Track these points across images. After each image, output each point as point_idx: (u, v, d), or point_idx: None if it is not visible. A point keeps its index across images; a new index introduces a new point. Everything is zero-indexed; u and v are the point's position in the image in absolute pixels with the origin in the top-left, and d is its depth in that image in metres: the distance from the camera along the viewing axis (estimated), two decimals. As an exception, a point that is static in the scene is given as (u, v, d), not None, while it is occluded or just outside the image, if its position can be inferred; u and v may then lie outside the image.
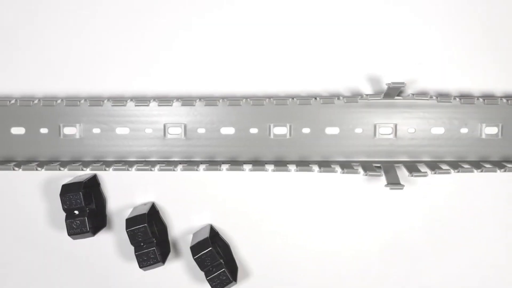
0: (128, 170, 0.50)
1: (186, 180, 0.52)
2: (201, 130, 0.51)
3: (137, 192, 0.52)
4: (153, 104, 0.50)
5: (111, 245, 0.53)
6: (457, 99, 0.49)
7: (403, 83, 0.46)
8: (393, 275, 0.53)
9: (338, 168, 0.49)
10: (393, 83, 0.46)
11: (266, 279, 0.53)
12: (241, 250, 0.53)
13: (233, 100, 0.50)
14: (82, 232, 0.49)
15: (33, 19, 0.51)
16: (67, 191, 0.49)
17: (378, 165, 0.49)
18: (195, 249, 0.49)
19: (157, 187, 0.52)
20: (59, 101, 0.50)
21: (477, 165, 0.49)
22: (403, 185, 0.46)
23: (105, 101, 0.50)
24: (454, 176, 0.51)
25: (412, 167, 0.48)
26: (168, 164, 0.50)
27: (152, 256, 0.49)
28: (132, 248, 0.49)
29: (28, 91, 0.52)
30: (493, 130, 0.50)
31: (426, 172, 0.47)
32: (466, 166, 0.49)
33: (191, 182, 0.52)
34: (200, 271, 0.49)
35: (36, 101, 0.50)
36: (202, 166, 0.49)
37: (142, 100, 0.50)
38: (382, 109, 0.50)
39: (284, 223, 0.52)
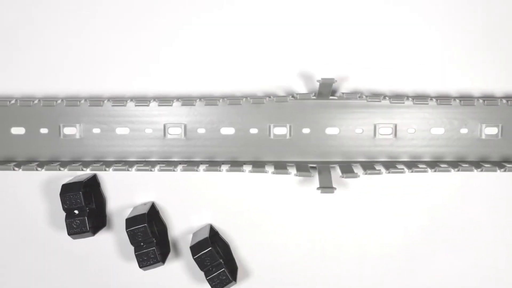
0: (128, 170, 0.50)
1: (186, 180, 0.52)
2: (201, 130, 0.51)
3: (137, 192, 0.52)
4: (153, 104, 0.50)
5: (111, 245, 0.53)
6: (457, 100, 0.49)
7: (333, 79, 0.45)
8: (393, 275, 0.53)
9: (338, 169, 0.49)
10: (323, 79, 0.45)
11: (266, 279, 0.53)
12: (241, 250, 0.53)
13: (233, 100, 0.50)
14: (82, 232, 0.49)
15: (33, 19, 0.51)
16: (67, 190, 0.49)
17: (314, 165, 0.49)
18: (195, 249, 0.49)
19: (157, 187, 0.52)
20: (59, 101, 0.50)
21: (477, 165, 0.49)
22: (334, 188, 0.45)
23: (105, 101, 0.50)
24: (454, 177, 0.51)
25: (346, 168, 0.48)
26: (168, 164, 0.50)
27: (152, 256, 0.49)
28: (132, 248, 0.49)
29: (28, 91, 0.52)
30: (493, 130, 0.50)
31: (357, 173, 0.46)
32: (466, 165, 0.49)
33: (191, 182, 0.52)
34: (200, 271, 0.49)
35: (36, 101, 0.50)
36: (202, 167, 0.49)
37: (142, 100, 0.50)
38: (382, 109, 0.50)
39: (284, 223, 0.52)
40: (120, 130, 0.51)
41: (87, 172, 0.51)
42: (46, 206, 0.53)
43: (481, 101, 0.49)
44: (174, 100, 0.50)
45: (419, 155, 0.51)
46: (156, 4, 0.51)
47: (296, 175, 0.47)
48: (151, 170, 0.49)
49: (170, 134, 0.51)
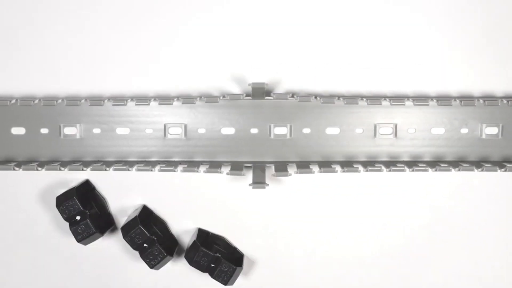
0: (128, 170, 0.49)
1: (185, 180, 0.52)
2: (202, 130, 0.51)
3: (137, 192, 0.52)
4: (154, 103, 0.50)
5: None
6: (457, 101, 0.49)
7: (263, 83, 0.48)
8: (394, 275, 0.53)
9: (338, 168, 0.49)
10: (254, 83, 0.48)
11: (266, 280, 0.53)
12: (242, 250, 0.53)
13: (233, 101, 0.50)
14: (90, 235, 0.49)
15: (33, 19, 0.51)
16: (62, 200, 0.49)
17: (249, 165, 0.50)
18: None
19: (157, 187, 0.52)
20: (59, 101, 0.50)
21: (478, 165, 0.49)
22: (266, 184, 0.46)
23: (106, 101, 0.50)
24: (455, 177, 0.51)
25: (280, 167, 0.48)
26: (169, 164, 0.50)
27: (157, 254, 0.49)
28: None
29: (28, 91, 0.52)
30: (493, 130, 0.50)
31: (287, 172, 0.47)
32: (466, 165, 0.49)
33: (190, 182, 0.52)
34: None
35: (36, 101, 0.50)
36: (202, 168, 0.49)
37: (142, 100, 0.50)
38: (382, 109, 0.50)
39: (284, 223, 0.52)
40: (121, 130, 0.51)
41: (81, 177, 0.51)
42: (46, 206, 0.53)
43: (481, 101, 0.49)
44: (175, 99, 0.50)
45: (419, 155, 0.51)
46: (156, 3, 0.51)
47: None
48: (151, 171, 0.49)
49: (170, 134, 0.51)
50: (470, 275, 0.53)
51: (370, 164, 0.50)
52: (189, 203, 0.52)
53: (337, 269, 0.53)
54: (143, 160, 0.51)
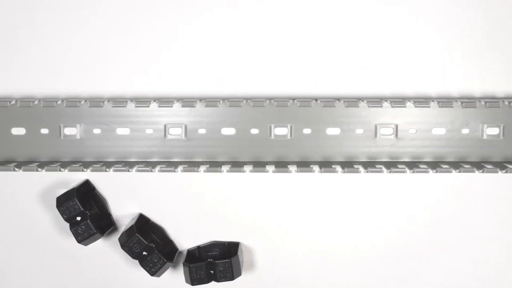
0: (128, 171, 0.49)
1: (185, 180, 0.52)
2: (202, 131, 0.51)
3: (137, 192, 0.52)
4: (154, 105, 0.50)
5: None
6: (459, 102, 0.49)
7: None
8: (394, 275, 0.53)
9: (339, 168, 0.49)
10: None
11: (266, 280, 0.53)
12: (242, 251, 0.53)
13: (233, 102, 0.50)
14: (90, 235, 0.49)
15: (33, 19, 0.51)
16: (63, 201, 0.49)
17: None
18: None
19: (157, 187, 0.52)
20: (59, 102, 0.50)
21: (478, 165, 0.49)
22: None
23: (106, 102, 0.50)
24: (455, 177, 0.51)
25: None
26: (169, 164, 0.50)
27: (156, 261, 0.49)
28: None
29: (28, 91, 0.52)
30: (494, 131, 0.50)
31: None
32: (467, 166, 0.49)
33: (190, 182, 0.52)
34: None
35: (36, 102, 0.50)
36: (202, 168, 0.49)
37: (142, 101, 0.50)
38: (383, 110, 0.50)
39: (284, 223, 0.52)
40: (121, 131, 0.51)
41: (80, 177, 0.51)
42: (46, 207, 0.53)
43: (482, 102, 0.49)
44: (175, 101, 0.50)
45: (420, 156, 0.51)
46: (156, 4, 0.51)
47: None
48: (151, 171, 0.49)
49: (170, 135, 0.51)
50: (470, 275, 0.53)
51: (370, 165, 0.50)
52: (188, 205, 0.52)
53: (337, 269, 0.53)
54: (144, 160, 0.51)
